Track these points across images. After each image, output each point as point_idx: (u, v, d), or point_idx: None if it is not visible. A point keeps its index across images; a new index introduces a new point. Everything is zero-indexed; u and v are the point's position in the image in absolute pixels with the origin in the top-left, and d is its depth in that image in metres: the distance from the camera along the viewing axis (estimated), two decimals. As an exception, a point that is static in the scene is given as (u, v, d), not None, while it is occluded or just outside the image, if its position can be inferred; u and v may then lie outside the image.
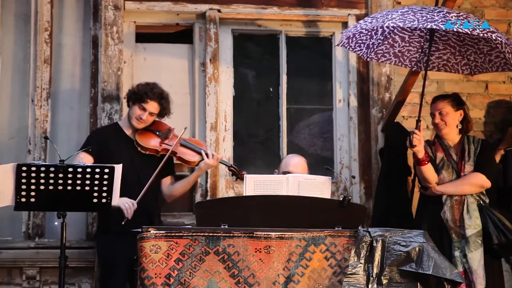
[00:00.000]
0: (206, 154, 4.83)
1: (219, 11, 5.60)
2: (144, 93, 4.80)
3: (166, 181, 4.95)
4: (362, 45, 5.01)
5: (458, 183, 4.77)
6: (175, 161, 4.94)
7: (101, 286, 4.91)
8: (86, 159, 4.66)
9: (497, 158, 5.21)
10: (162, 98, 4.85)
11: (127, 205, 4.54)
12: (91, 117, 5.40)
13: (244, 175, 4.39)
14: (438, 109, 4.86)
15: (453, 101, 4.88)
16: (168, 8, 5.56)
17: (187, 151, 4.87)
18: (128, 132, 4.90)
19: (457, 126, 4.88)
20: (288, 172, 4.80)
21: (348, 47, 5.03)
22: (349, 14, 5.70)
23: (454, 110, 4.86)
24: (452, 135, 4.88)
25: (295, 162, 4.91)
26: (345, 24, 5.70)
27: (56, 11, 5.49)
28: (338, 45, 5.12)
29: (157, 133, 4.88)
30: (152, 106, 4.81)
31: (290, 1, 5.68)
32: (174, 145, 4.79)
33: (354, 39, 4.97)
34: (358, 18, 5.60)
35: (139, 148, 4.82)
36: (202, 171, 4.93)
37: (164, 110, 4.90)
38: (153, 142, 4.84)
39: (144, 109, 4.80)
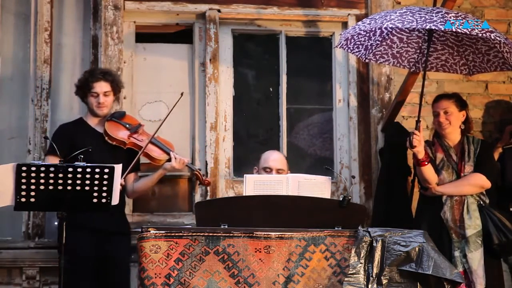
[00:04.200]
0: (174, 157, 4.80)
1: (219, 11, 5.60)
2: (86, 80, 4.83)
3: (130, 177, 4.87)
4: (360, 46, 5.01)
5: (458, 184, 4.77)
6: (141, 157, 4.88)
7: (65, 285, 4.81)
8: (51, 161, 4.59)
9: (495, 156, 5.21)
10: (106, 74, 4.86)
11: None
12: (91, 117, 5.40)
13: (244, 175, 4.38)
14: (443, 108, 4.85)
15: (457, 102, 4.88)
16: (168, 8, 5.56)
17: (155, 148, 4.83)
18: (94, 123, 4.88)
19: (460, 127, 4.89)
20: (268, 168, 4.82)
21: (347, 48, 5.03)
22: (349, 14, 5.70)
23: (458, 110, 4.87)
24: (454, 135, 4.88)
25: (275, 157, 4.89)
26: (345, 24, 5.71)
27: (56, 11, 5.49)
28: (336, 47, 5.12)
29: (127, 126, 4.87)
30: (100, 86, 4.80)
31: (290, 1, 5.68)
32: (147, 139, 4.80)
33: (352, 40, 4.97)
34: (358, 18, 5.61)
35: (106, 138, 4.78)
36: (166, 172, 4.88)
37: (116, 84, 4.89)
38: (121, 134, 4.82)
39: (96, 94, 4.80)
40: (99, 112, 4.83)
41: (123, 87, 5.04)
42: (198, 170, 4.91)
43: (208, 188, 5.44)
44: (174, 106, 4.81)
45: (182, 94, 4.85)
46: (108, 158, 4.65)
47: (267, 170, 4.82)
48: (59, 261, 4.20)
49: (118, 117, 4.90)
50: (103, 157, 4.63)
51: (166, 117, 4.83)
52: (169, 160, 4.82)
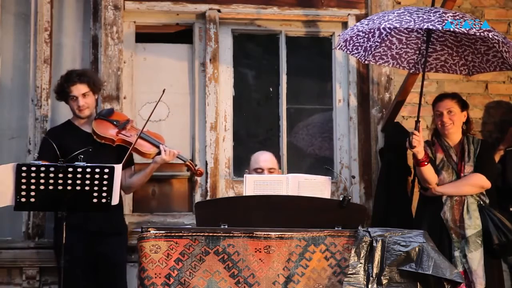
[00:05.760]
0: (164, 150, 4.79)
1: (219, 11, 5.60)
2: (62, 86, 4.81)
3: (126, 172, 4.87)
4: (359, 47, 5.00)
5: (458, 184, 4.78)
6: (132, 152, 4.85)
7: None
8: None
9: (496, 158, 5.21)
10: (81, 76, 4.82)
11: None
12: (91, 117, 5.40)
13: (244, 175, 4.38)
14: (447, 108, 4.85)
15: (459, 102, 4.89)
16: (168, 8, 5.56)
17: (144, 143, 4.81)
18: (81, 124, 4.88)
19: (462, 127, 4.89)
20: (259, 168, 4.83)
21: (346, 50, 5.02)
22: (349, 14, 5.70)
23: (460, 110, 4.87)
24: (456, 135, 4.88)
25: (265, 157, 4.91)
26: (345, 24, 5.71)
27: (56, 11, 5.49)
28: (335, 48, 5.12)
29: (115, 123, 4.86)
30: (77, 88, 4.79)
31: (290, 1, 5.68)
32: (137, 136, 4.77)
33: (351, 41, 4.96)
34: (358, 18, 5.61)
35: (95, 137, 4.78)
36: (158, 165, 4.86)
37: (93, 83, 4.86)
38: (110, 131, 4.81)
39: (75, 97, 4.79)
40: (81, 114, 4.83)
41: (102, 85, 5.04)
42: (190, 161, 4.91)
43: (208, 188, 5.44)
44: (158, 102, 4.75)
45: (164, 90, 4.74)
46: (98, 157, 4.62)
47: (259, 170, 4.84)
48: (57, 261, 4.20)
49: (105, 114, 4.89)
50: (94, 157, 4.58)
51: (151, 114, 4.78)
52: (159, 153, 4.81)
